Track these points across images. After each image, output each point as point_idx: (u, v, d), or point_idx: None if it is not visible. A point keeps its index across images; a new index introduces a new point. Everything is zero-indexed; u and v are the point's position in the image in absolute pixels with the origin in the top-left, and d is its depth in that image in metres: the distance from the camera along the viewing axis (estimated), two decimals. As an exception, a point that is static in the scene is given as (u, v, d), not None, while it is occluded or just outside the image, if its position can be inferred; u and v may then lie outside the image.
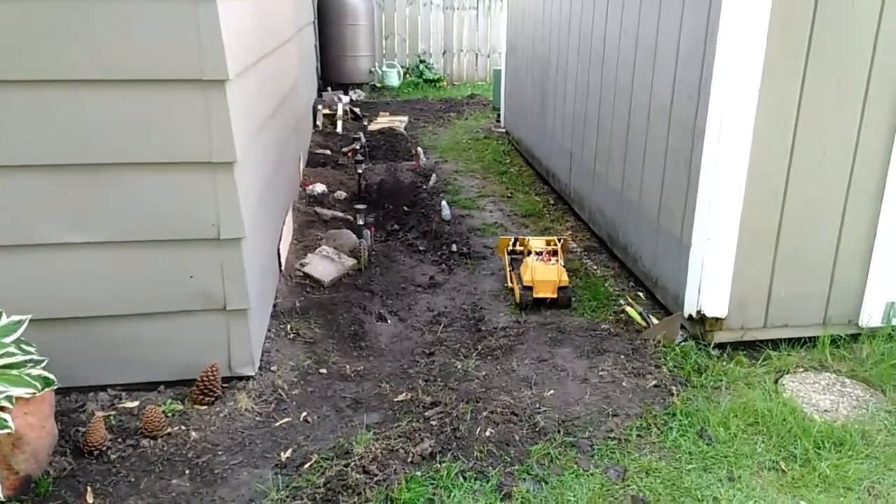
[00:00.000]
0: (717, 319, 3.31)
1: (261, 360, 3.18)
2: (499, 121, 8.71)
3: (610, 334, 3.54)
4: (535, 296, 3.85)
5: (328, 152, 7.29)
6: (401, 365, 3.30)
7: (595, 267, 4.47)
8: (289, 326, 3.52)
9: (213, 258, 2.86)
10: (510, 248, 4.27)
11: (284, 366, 3.20)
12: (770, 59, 2.98)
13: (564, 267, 3.96)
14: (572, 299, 3.91)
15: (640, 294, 4.02)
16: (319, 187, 5.88)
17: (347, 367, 3.25)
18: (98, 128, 2.62)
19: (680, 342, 3.38)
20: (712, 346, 3.34)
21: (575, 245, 4.87)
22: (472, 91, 11.41)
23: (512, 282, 4.10)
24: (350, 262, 4.32)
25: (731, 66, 3.00)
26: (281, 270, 4.09)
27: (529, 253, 4.03)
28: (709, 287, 3.26)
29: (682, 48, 3.44)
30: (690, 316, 3.37)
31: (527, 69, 6.99)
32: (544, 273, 3.86)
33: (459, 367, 3.24)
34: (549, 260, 3.94)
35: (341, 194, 5.85)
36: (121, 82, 2.58)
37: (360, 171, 5.64)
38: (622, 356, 3.31)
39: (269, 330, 3.46)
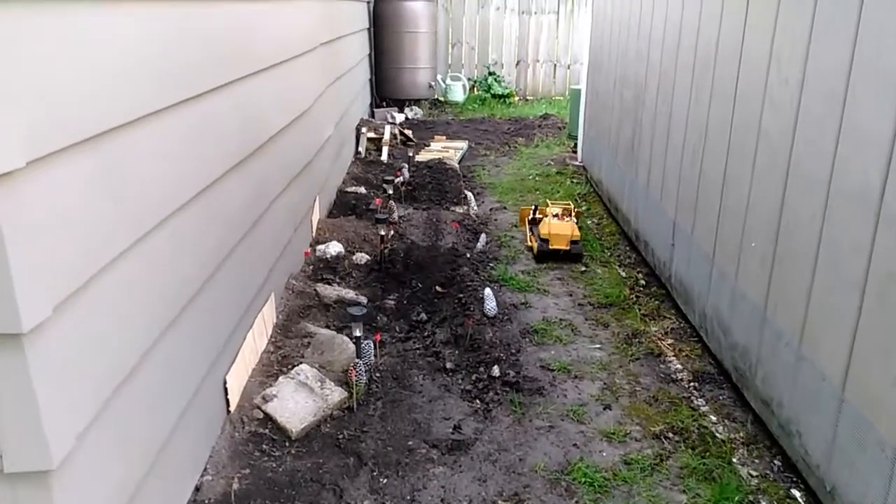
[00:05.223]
0: None
1: None
2: (575, 151, 7.14)
3: None
4: (550, 247, 4.49)
5: (362, 190, 5.92)
6: None
7: (714, 417, 2.88)
8: (198, 551, 2.13)
9: (-5, 505, 1.50)
10: (531, 217, 4.92)
11: None
12: None
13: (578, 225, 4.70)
14: (583, 253, 4.54)
15: (797, 495, 2.42)
16: (335, 247, 4.50)
17: None
18: None
19: None
20: None
21: (680, 366, 3.29)
22: (546, 110, 9.86)
23: (531, 241, 4.76)
24: (337, 395, 2.90)
25: None
26: (229, 412, 2.73)
27: (546, 216, 4.71)
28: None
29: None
30: None
31: (613, 93, 5.41)
32: (559, 228, 4.52)
33: None
34: (564, 218, 4.65)
35: (362, 258, 4.45)
36: None
37: (382, 232, 4.22)
38: None
39: (165, 554, 2.09)
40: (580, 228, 4.90)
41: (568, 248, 4.47)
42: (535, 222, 4.86)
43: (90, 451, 1.62)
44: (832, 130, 2.23)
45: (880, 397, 1.95)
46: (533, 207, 4.93)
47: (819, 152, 2.31)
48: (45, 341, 1.44)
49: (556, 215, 4.67)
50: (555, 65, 11.31)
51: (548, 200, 5.08)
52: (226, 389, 2.69)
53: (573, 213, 4.76)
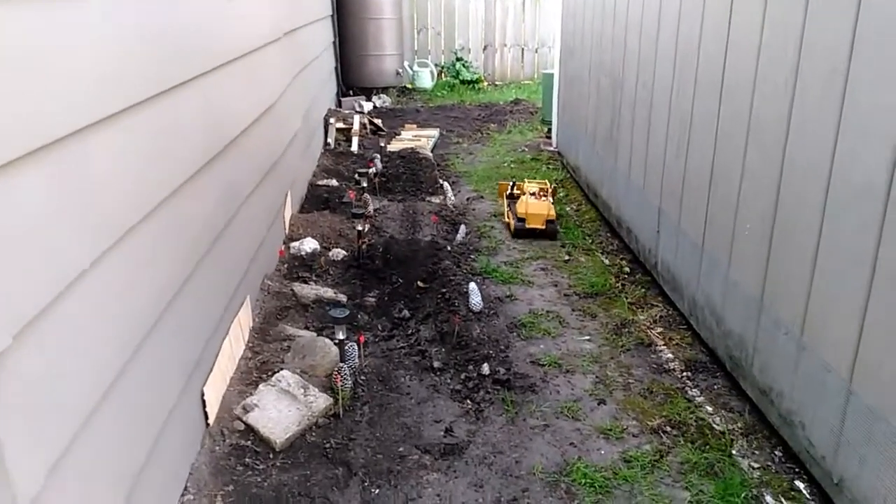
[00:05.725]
0: None
1: None
2: (549, 137, 7.06)
3: None
4: (527, 226, 4.61)
5: (334, 183, 5.75)
6: None
7: (710, 408, 2.82)
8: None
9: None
10: (508, 192, 5.08)
11: None
12: None
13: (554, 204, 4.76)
14: (557, 231, 4.66)
15: (801, 486, 2.37)
16: (309, 244, 4.34)
17: None
18: None
19: None
20: None
21: (671, 355, 3.23)
22: (516, 94, 9.76)
23: (508, 218, 4.84)
24: (322, 401, 2.77)
25: None
26: (208, 425, 2.58)
27: (524, 194, 4.83)
28: None
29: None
30: None
31: (589, 78, 5.32)
32: (536, 207, 4.61)
33: None
34: (541, 198, 4.73)
35: (339, 253, 4.30)
36: None
37: (359, 227, 4.08)
38: None
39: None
40: (558, 213, 4.84)
41: (544, 227, 4.60)
42: (512, 197, 4.99)
43: (63, 486, 1.47)
44: (830, 114, 2.15)
45: (894, 390, 1.89)
46: (511, 183, 5.14)
47: (816, 139, 2.23)
48: (7, 373, 1.29)
49: (532, 194, 4.79)
50: (522, 49, 11.20)
51: (525, 178, 5.29)
52: (203, 402, 2.54)
53: (550, 193, 4.88)
